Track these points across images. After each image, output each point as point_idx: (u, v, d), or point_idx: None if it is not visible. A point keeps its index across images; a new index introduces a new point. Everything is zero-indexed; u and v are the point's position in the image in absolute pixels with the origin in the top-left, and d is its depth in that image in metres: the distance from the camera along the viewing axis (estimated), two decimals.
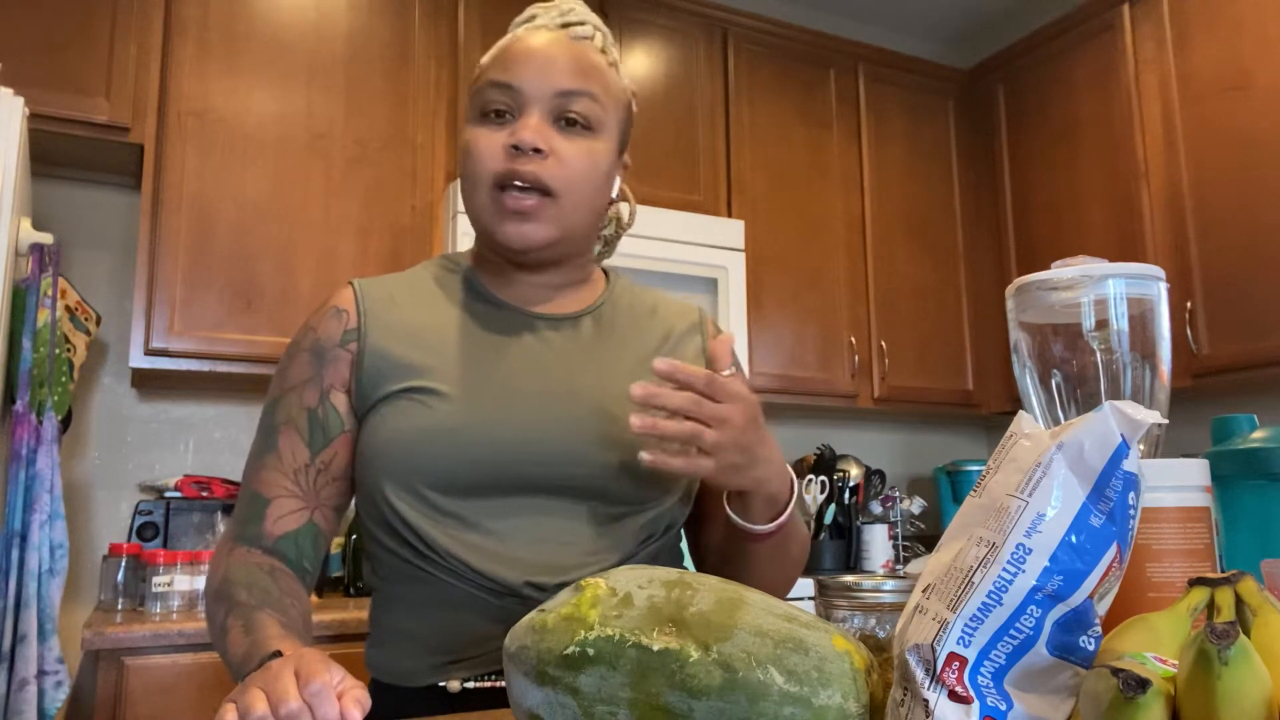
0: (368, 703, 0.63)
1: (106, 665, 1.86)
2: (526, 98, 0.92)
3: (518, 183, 0.91)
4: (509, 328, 0.97)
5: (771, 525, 0.88)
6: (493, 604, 0.87)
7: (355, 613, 2.07)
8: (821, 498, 3.08)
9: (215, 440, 2.63)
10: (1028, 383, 0.78)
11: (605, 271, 1.09)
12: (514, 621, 0.86)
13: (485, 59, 0.99)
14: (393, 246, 2.54)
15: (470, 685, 0.85)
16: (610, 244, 1.10)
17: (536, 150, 0.90)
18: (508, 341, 0.96)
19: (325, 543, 0.94)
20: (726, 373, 0.84)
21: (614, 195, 1.01)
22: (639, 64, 2.99)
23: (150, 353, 2.26)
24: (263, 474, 0.92)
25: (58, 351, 2.04)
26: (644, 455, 0.79)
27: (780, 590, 0.98)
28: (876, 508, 3.25)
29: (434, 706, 0.86)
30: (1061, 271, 0.75)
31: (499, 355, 0.94)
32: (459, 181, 0.99)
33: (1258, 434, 0.77)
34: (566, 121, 0.93)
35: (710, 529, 1.02)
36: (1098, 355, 0.74)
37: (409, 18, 2.67)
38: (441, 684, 0.86)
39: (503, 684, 0.85)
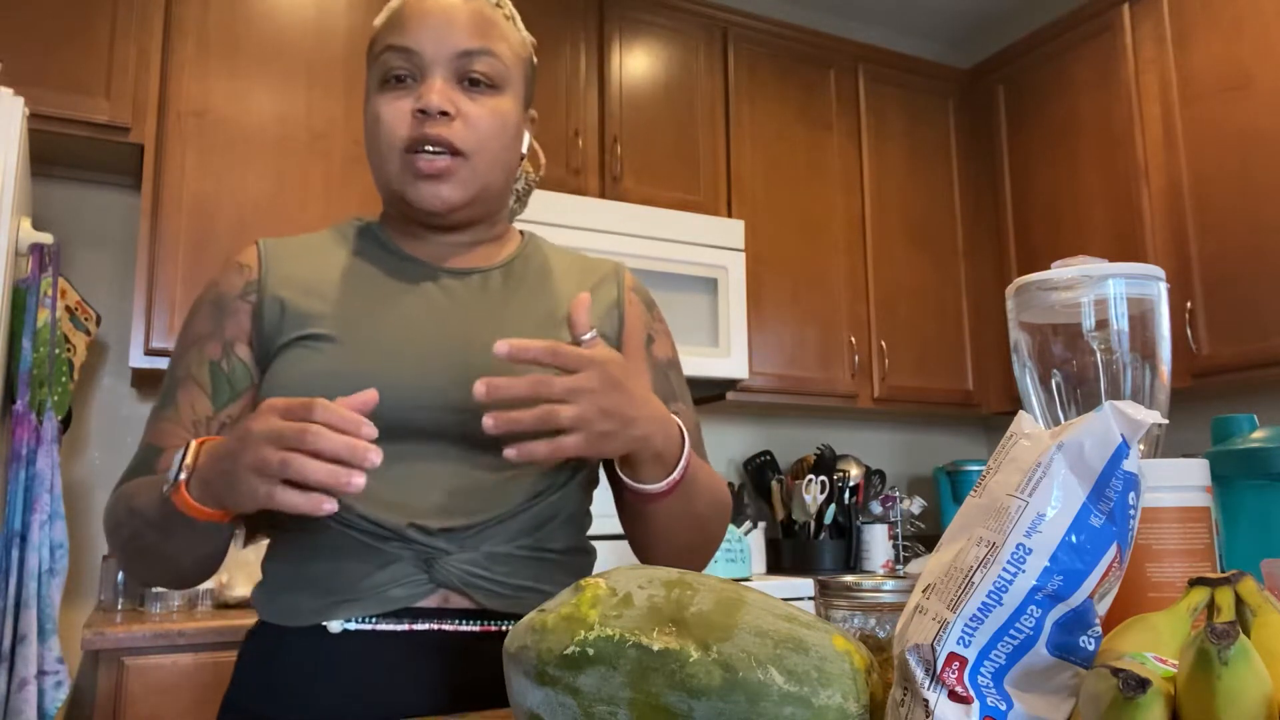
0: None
1: (106, 665, 1.87)
2: (427, 60, 0.92)
3: (428, 147, 0.90)
4: (411, 278, 0.96)
5: (664, 484, 0.86)
6: (375, 547, 0.87)
7: None
8: (821, 498, 3.08)
9: None
10: (1028, 383, 0.78)
11: (522, 233, 1.08)
12: (397, 563, 0.87)
13: (379, 20, 0.98)
14: None
15: (350, 627, 0.86)
16: (522, 199, 1.09)
17: (443, 113, 0.90)
18: (408, 290, 0.95)
19: None
20: (586, 337, 0.82)
21: (524, 151, 1.01)
22: (639, 64, 2.99)
23: (150, 353, 2.26)
24: (159, 426, 0.92)
25: (58, 351, 2.04)
26: (507, 452, 0.77)
27: (698, 546, 0.96)
28: (876, 508, 3.25)
29: (315, 645, 0.86)
30: (1061, 271, 0.75)
31: (396, 304, 0.94)
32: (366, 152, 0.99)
33: (1258, 434, 0.77)
34: (470, 81, 0.93)
35: (619, 488, 0.99)
36: (1098, 355, 0.74)
37: None
38: (324, 624, 0.86)
39: (383, 627, 0.86)
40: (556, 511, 0.94)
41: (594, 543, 1.21)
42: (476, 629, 0.88)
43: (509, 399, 0.77)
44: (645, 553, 0.96)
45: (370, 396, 0.74)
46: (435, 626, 0.87)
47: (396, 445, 0.89)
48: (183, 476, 0.76)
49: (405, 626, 0.86)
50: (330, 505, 0.70)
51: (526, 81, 0.99)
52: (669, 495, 0.87)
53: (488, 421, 0.76)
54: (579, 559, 0.97)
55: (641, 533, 0.94)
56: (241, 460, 0.71)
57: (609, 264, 1.07)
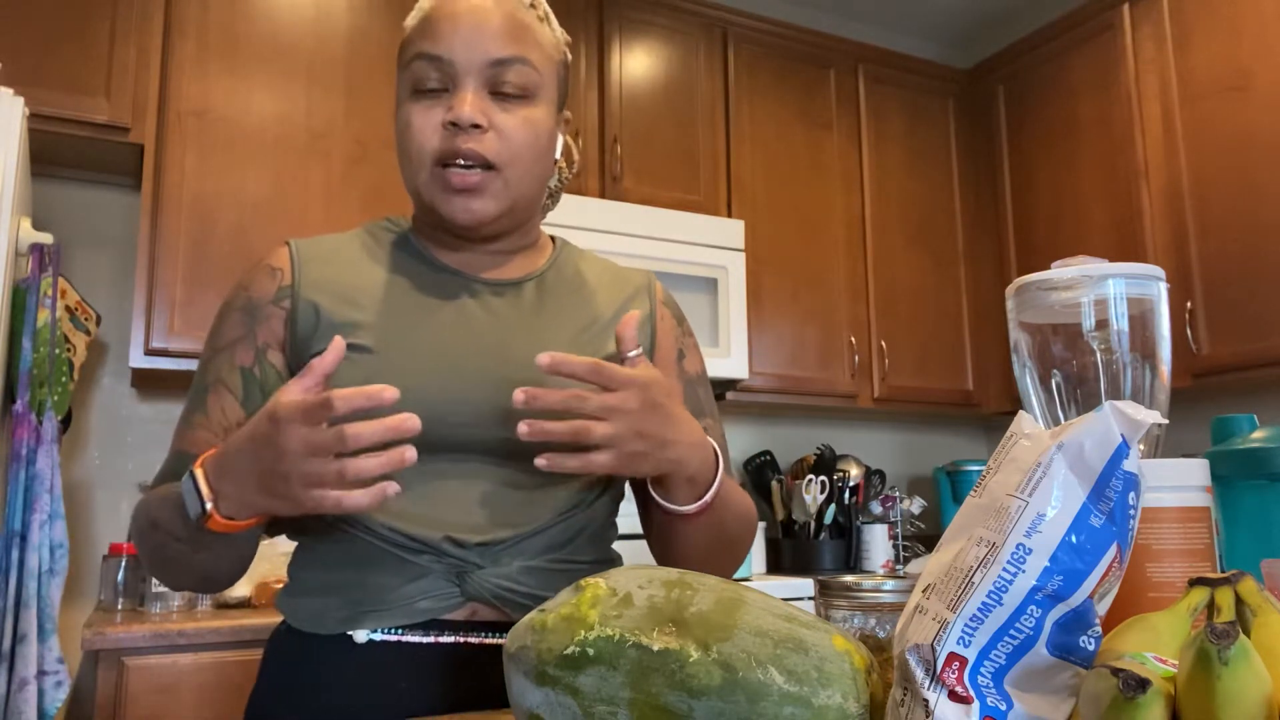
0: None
1: (106, 665, 1.86)
2: (458, 70, 0.90)
3: (460, 160, 0.89)
4: (446, 290, 0.95)
5: (695, 506, 0.87)
6: (407, 560, 0.87)
7: None
8: (821, 498, 3.08)
9: None
10: (1028, 383, 0.78)
11: (553, 239, 1.07)
12: (428, 576, 0.87)
13: (410, 20, 0.95)
14: None
15: (376, 637, 0.86)
16: (554, 195, 1.08)
17: (475, 126, 0.89)
18: (443, 304, 0.94)
19: None
20: (633, 354, 0.82)
21: (558, 156, 1.00)
22: (639, 64, 2.99)
23: (150, 353, 2.26)
24: (190, 433, 0.90)
25: (58, 351, 2.04)
26: (538, 461, 0.77)
27: (724, 566, 0.97)
28: (876, 508, 3.25)
29: (340, 654, 0.86)
30: (1061, 271, 0.75)
31: (432, 316, 0.93)
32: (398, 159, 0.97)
33: (1258, 434, 0.77)
34: (503, 93, 0.91)
35: (646, 505, 1.01)
36: (1098, 355, 0.74)
37: None
38: (349, 633, 0.86)
39: (409, 638, 0.86)
40: (585, 525, 0.95)
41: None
42: (501, 641, 0.89)
43: (546, 409, 0.78)
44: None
45: (411, 425, 0.73)
46: (461, 639, 0.87)
47: (432, 461, 0.89)
48: (209, 507, 0.76)
49: (431, 639, 0.86)
50: (394, 488, 0.72)
51: (560, 84, 0.98)
52: (698, 517, 0.88)
53: (523, 428, 0.77)
54: (606, 569, 0.98)
55: (667, 549, 0.95)
56: (291, 477, 0.72)
57: (641, 275, 1.07)
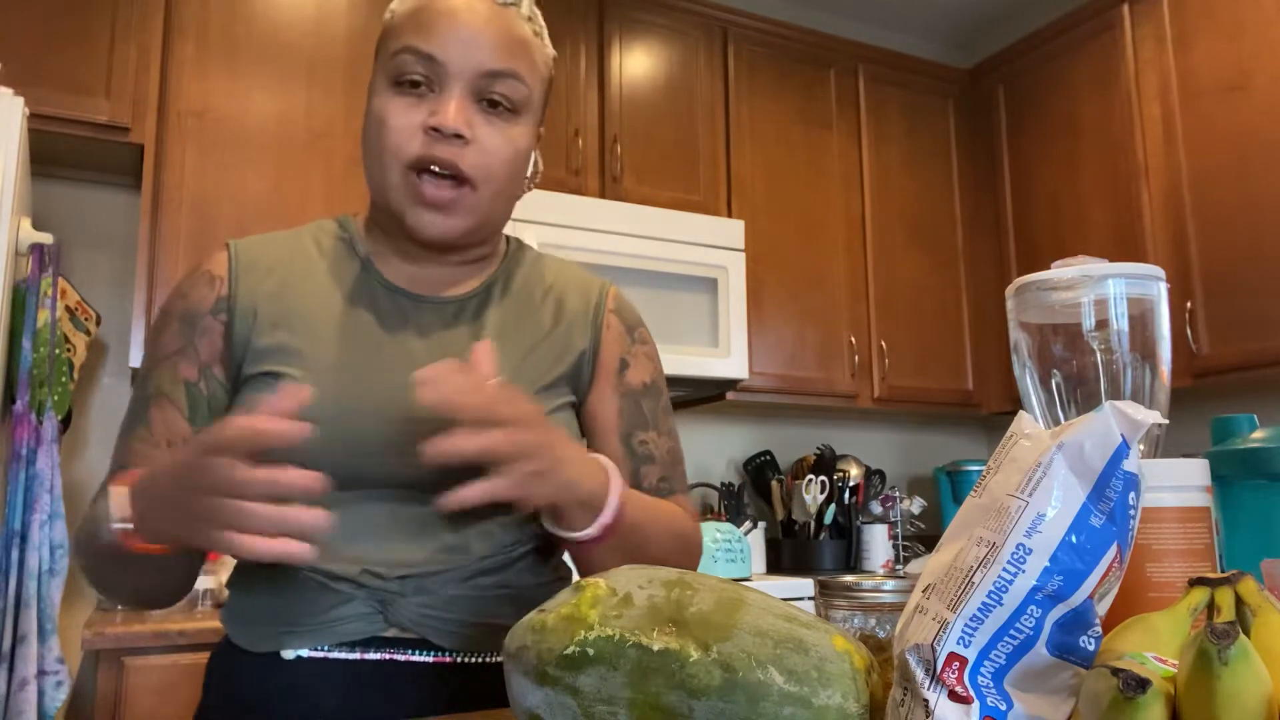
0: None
1: (106, 665, 1.86)
2: (448, 72, 0.85)
3: (434, 168, 0.85)
4: (384, 318, 0.92)
5: (596, 528, 0.81)
6: (329, 586, 0.86)
7: None
8: (821, 498, 3.08)
9: None
10: (1028, 383, 0.78)
11: (508, 239, 1.03)
12: (351, 602, 0.86)
13: (398, 5, 0.90)
14: None
15: (304, 654, 0.85)
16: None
17: (458, 136, 0.84)
18: (379, 329, 0.91)
19: None
20: (493, 382, 0.78)
21: (529, 174, 0.96)
22: (639, 64, 2.99)
23: None
24: (132, 446, 0.88)
25: (58, 351, 2.04)
26: (441, 503, 0.73)
27: None
28: (876, 508, 3.25)
29: (271, 669, 0.86)
30: (1061, 271, 0.75)
31: (366, 343, 0.90)
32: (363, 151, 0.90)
33: (1258, 434, 0.77)
34: (489, 103, 0.87)
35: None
36: (1098, 355, 0.74)
37: None
38: (277, 651, 0.86)
39: (335, 655, 0.85)
40: (527, 552, 0.92)
41: None
42: (429, 659, 0.87)
43: (457, 458, 0.73)
44: None
45: (308, 484, 0.69)
46: (387, 656, 0.86)
47: (353, 494, 0.86)
48: (129, 527, 0.74)
49: (358, 655, 0.85)
50: (297, 547, 0.67)
51: (544, 102, 0.95)
52: (603, 541, 0.83)
53: (435, 449, 0.72)
54: (550, 589, 0.94)
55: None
56: (192, 510, 0.69)
57: (594, 284, 1.02)
